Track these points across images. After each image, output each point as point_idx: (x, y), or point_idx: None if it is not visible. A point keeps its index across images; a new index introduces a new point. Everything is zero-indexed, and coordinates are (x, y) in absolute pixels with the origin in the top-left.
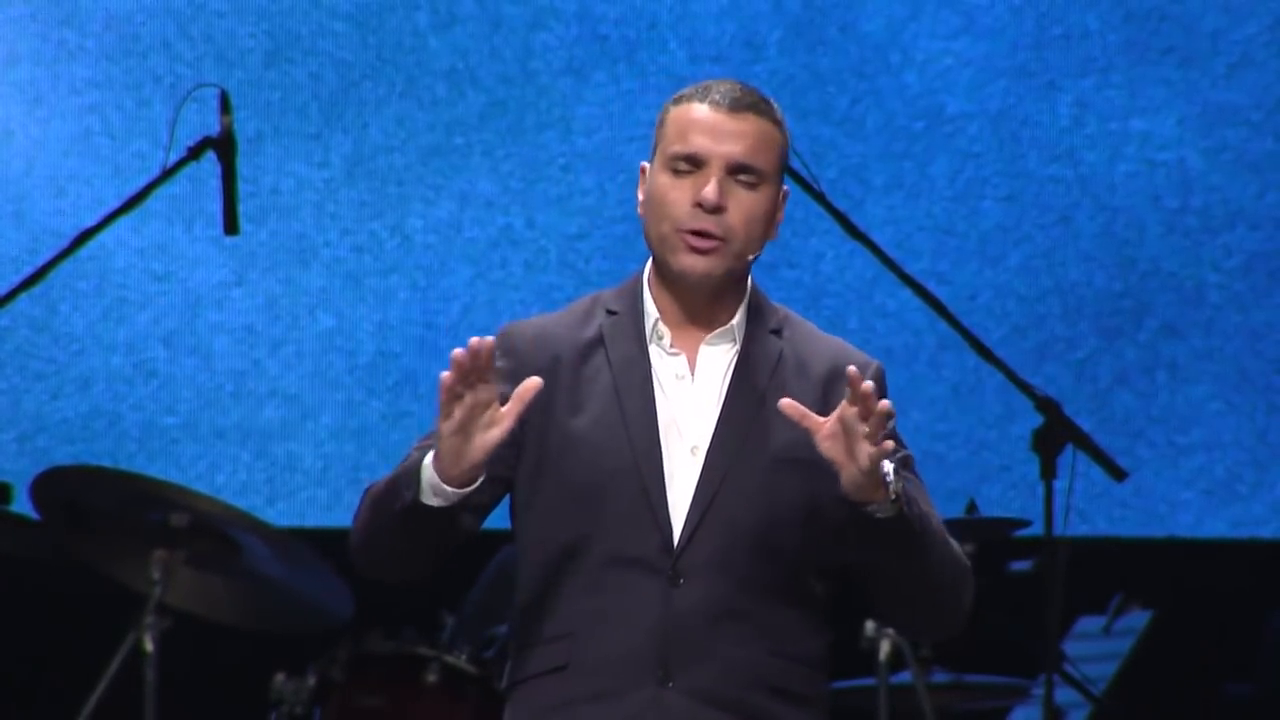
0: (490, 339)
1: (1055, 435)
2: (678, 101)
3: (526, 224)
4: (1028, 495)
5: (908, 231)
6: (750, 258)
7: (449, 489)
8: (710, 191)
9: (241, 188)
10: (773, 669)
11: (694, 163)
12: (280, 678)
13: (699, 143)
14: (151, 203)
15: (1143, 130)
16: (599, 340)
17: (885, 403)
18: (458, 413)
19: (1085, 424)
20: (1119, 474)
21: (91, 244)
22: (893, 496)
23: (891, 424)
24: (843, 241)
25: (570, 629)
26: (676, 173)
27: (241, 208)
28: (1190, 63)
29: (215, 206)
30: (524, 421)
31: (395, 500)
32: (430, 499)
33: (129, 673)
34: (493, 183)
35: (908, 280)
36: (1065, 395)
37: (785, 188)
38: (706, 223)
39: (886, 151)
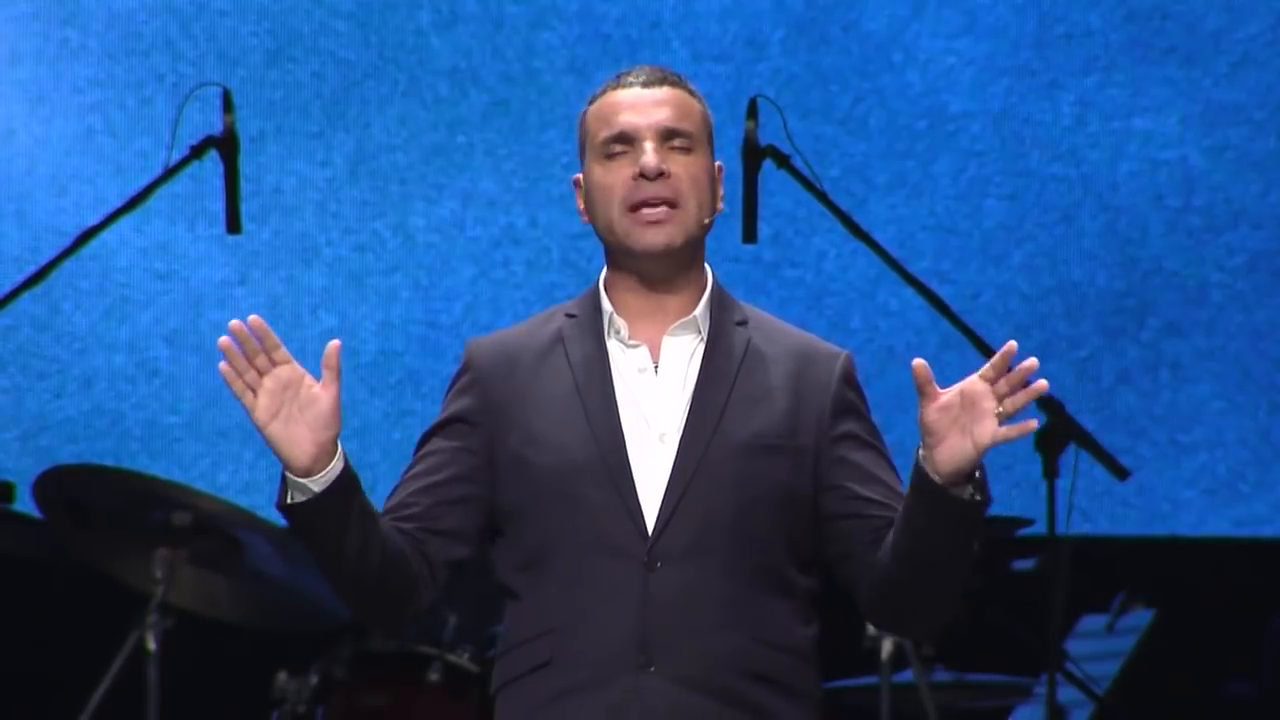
0: (256, 316)
1: (1057, 434)
2: (593, 100)
3: (529, 223)
4: (1030, 494)
5: (910, 230)
6: (706, 222)
7: (303, 480)
8: (649, 158)
9: (244, 187)
10: (756, 656)
11: (625, 140)
12: (283, 676)
13: (626, 120)
14: (154, 202)
15: (1145, 129)
16: (558, 343)
17: (1042, 383)
18: (265, 400)
19: (1088, 423)
20: (1121, 473)
21: (94, 243)
22: (979, 480)
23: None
24: (845, 241)
25: (551, 625)
26: (610, 157)
27: (244, 207)
28: (1192, 62)
29: (218, 205)
30: (491, 437)
31: (299, 539)
32: (296, 498)
33: (132, 671)
34: (495, 182)
35: (910, 279)
36: (1067, 394)
37: (719, 162)
38: (652, 189)
39: (889, 150)
